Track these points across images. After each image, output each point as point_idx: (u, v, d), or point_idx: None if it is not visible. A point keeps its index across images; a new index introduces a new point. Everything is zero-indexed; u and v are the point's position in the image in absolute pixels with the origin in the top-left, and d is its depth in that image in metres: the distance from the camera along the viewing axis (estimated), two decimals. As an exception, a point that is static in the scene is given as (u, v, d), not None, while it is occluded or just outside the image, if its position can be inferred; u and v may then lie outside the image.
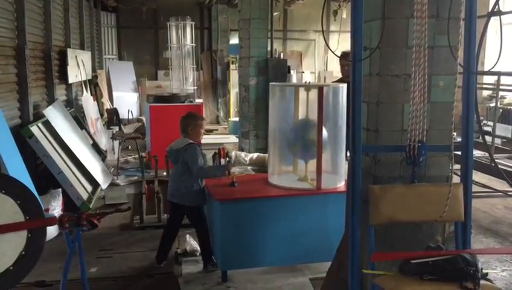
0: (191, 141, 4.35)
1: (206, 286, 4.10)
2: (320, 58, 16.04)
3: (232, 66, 13.20)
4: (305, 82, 4.51)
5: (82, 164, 6.82)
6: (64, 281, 3.19)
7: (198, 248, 4.64)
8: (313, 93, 4.42)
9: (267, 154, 8.93)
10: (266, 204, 4.17)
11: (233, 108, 13.49)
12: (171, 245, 4.52)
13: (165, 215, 5.69)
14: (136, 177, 7.87)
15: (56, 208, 5.65)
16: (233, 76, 13.28)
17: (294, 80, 8.18)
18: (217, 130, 13.26)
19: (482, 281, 2.57)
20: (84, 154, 7.26)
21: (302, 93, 4.53)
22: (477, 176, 7.12)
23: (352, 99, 2.86)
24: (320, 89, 4.18)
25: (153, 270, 4.41)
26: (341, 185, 4.38)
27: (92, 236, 5.12)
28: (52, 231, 4.89)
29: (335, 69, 16.11)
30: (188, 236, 4.85)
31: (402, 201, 2.80)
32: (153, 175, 7.73)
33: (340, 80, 5.99)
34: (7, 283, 2.81)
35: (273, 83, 4.93)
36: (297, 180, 4.57)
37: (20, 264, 2.78)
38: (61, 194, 5.80)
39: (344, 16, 14.43)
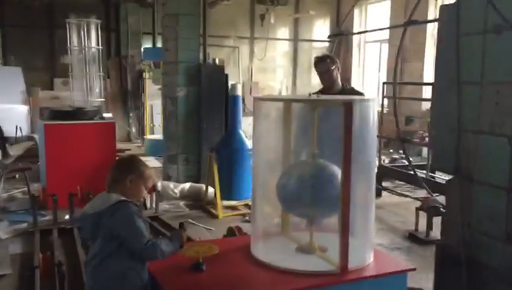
0: (122, 197, 2.46)
1: None
2: (244, 67, 14.49)
3: (147, 75, 11.18)
4: (309, 94, 2.82)
5: None
6: None
7: None
8: (324, 113, 2.77)
9: (202, 185, 7.18)
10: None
11: (149, 123, 11.46)
12: None
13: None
14: (25, 225, 5.64)
15: None
16: (149, 86, 11.29)
17: (239, 92, 6.47)
18: (129, 150, 11.13)
19: None
20: None
21: (302, 111, 2.85)
22: None
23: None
24: (348, 105, 2.50)
25: None
26: (370, 261, 2.73)
27: None
28: None
29: (261, 79, 14.70)
30: None
31: None
32: (50, 220, 5.61)
33: (321, 92, 4.41)
34: None
35: (257, 95, 3.19)
36: (297, 250, 2.86)
37: None
38: None
39: (272, 20, 13.03)
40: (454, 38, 2.48)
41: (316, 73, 4.49)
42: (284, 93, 14.62)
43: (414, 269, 2.70)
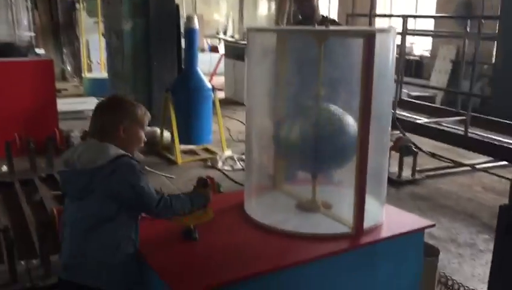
0: (120, 151, 1.98)
1: None
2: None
3: (81, 6, 10.10)
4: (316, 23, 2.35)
5: None
6: None
7: None
8: (333, 48, 2.30)
9: (155, 128, 6.57)
10: (269, 284, 2.01)
11: (86, 60, 10.49)
12: None
13: (22, 262, 3.21)
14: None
15: None
16: (84, 18, 10.25)
17: (196, 25, 5.78)
18: (66, 90, 10.21)
19: None
20: None
21: (305, 47, 2.37)
22: None
23: None
24: (370, 37, 2.04)
25: None
26: (383, 218, 2.39)
27: None
28: None
29: (205, 12, 13.81)
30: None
31: None
32: (-15, 174, 4.96)
33: (300, 23, 3.94)
34: None
35: (250, 26, 2.64)
36: (298, 208, 2.47)
37: None
38: None
39: None
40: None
41: (294, 2, 3.98)
42: (230, 27, 13.86)
43: (434, 225, 2.40)
